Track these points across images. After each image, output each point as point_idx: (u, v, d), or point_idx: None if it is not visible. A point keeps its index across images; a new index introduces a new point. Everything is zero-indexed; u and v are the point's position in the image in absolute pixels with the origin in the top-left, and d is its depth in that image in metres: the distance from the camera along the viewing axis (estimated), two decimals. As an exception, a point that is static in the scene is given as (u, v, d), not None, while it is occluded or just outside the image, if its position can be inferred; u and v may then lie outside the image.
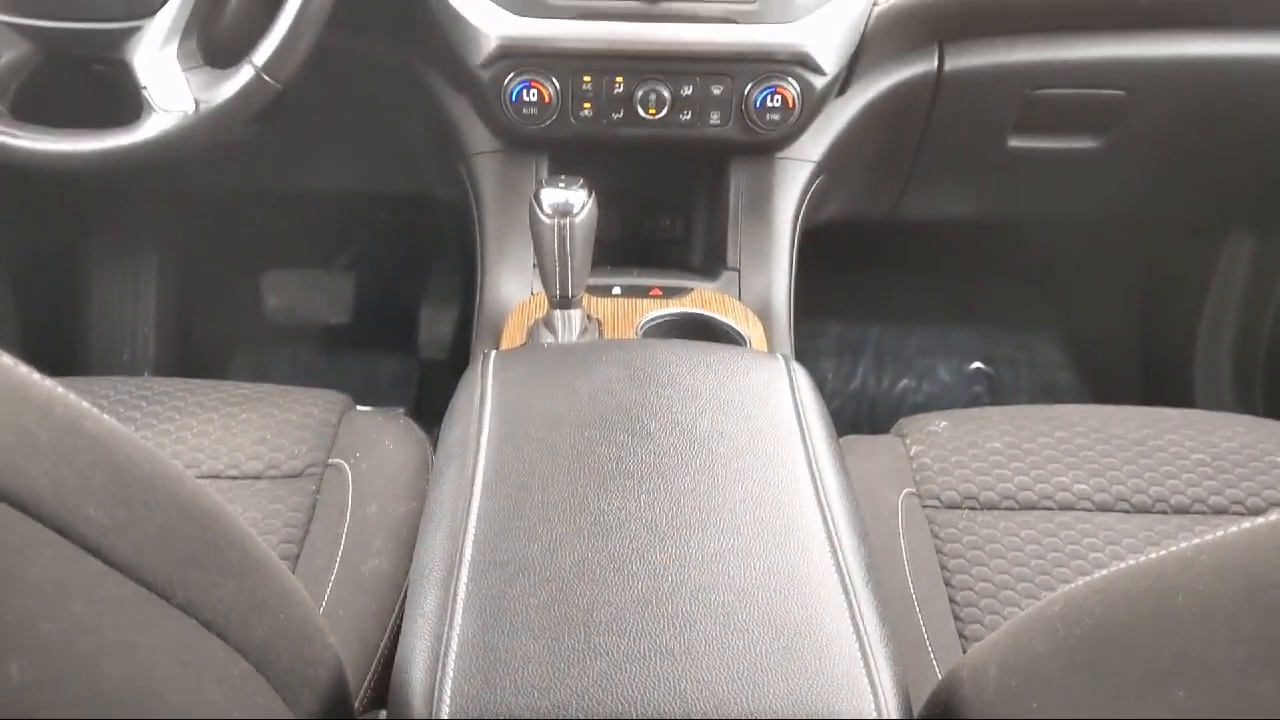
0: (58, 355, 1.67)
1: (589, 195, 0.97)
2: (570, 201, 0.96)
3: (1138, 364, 1.82)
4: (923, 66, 1.23)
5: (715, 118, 1.14)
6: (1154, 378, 1.78)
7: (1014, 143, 1.32)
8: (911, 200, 1.44)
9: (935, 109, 1.27)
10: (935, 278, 1.86)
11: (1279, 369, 1.63)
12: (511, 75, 1.11)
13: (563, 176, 0.98)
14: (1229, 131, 1.32)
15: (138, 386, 1.03)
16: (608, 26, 1.09)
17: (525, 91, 1.12)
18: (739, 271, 1.20)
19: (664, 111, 1.13)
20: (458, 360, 1.73)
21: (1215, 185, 1.45)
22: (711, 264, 1.24)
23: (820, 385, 1.85)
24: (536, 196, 0.96)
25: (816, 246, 1.32)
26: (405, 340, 1.80)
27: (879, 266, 1.83)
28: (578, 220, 0.96)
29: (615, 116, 1.15)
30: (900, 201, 1.44)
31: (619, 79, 1.13)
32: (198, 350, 1.78)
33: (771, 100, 1.12)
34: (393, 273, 1.88)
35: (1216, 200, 1.53)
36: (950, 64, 1.23)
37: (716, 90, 1.13)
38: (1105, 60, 1.23)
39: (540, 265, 1.00)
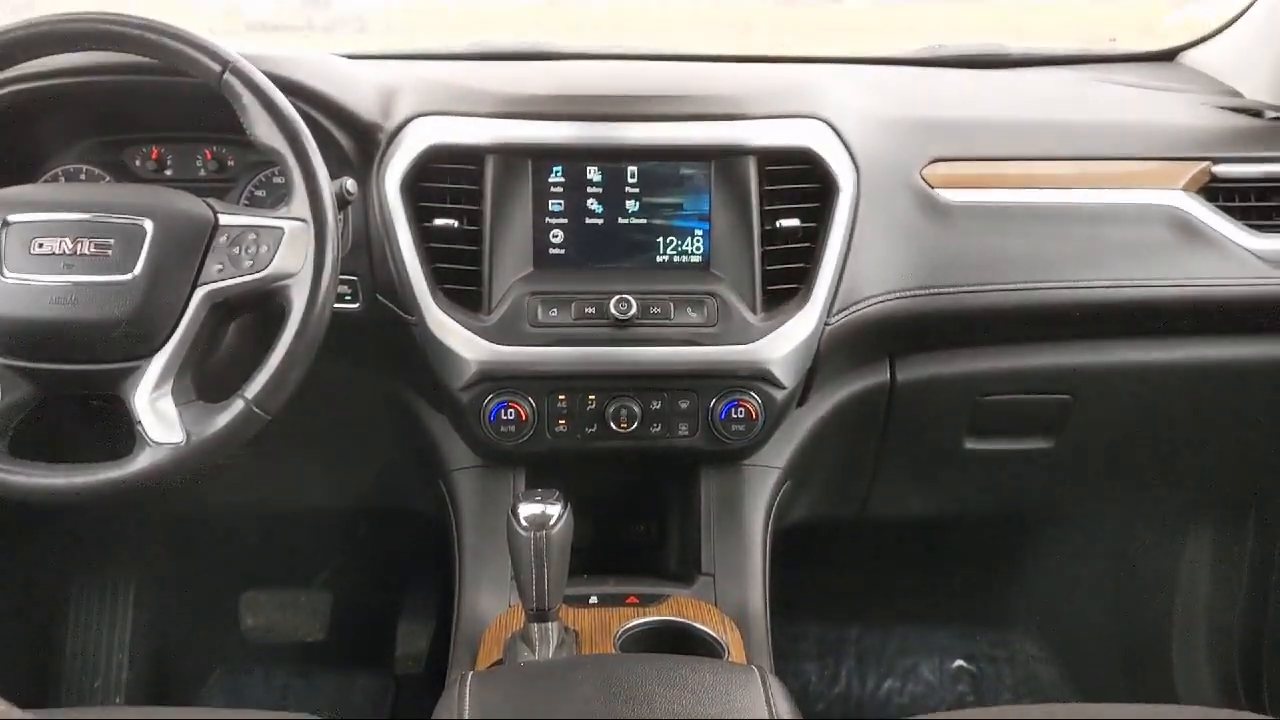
0: (30, 680, 1.63)
1: (564, 508, 1.01)
2: (547, 514, 0.99)
3: (1117, 653, 1.81)
4: (876, 378, 1.31)
5: (684, 429, 1.20)
6: (1134, 667, 1.77)
7: (970, 445, 1.39)
8: (879, 500, 1.48)
9: (892, 416, 1.34)
10: (910, 575, 1.89)
11: (1253, 656, 1.63)
12: (490, 396, 1.18)
13: (539, 490, 1.02)
14: (1171, 429, 1.39)
15: None
16: (580, 351, 1.17)
17: (503, 411, 1.18)
18: (714, 577, 1.23)
19: (635, 425, 1.19)
20: (435, 675, 1.70)
21: (1165, 478, 1.51)
22: (686, 569, 1.27)
23: (804, 689, 1.84)
24: (514, 510, 1.00)
25: (791, 548, 1.35)
26: (382, 655, 1.78)
27: (855, 566, 1.85)
28: (554, 533, 0.99)
29: (589, 431, 1.21)
30: (868, 501, 1.49)
31: (591, 397, 1.20)
32: (173, 673, 1.75)
33: (735, 413, 1.19)
34: (370, 587, 1.88)
35: (1170, 492, 1.59)
36: (902, 375, 1.31)
37: (684, 404, 1.20)
38: (1048, 368, 1.31)
39: (517, 577, 1.02)
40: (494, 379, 1.18)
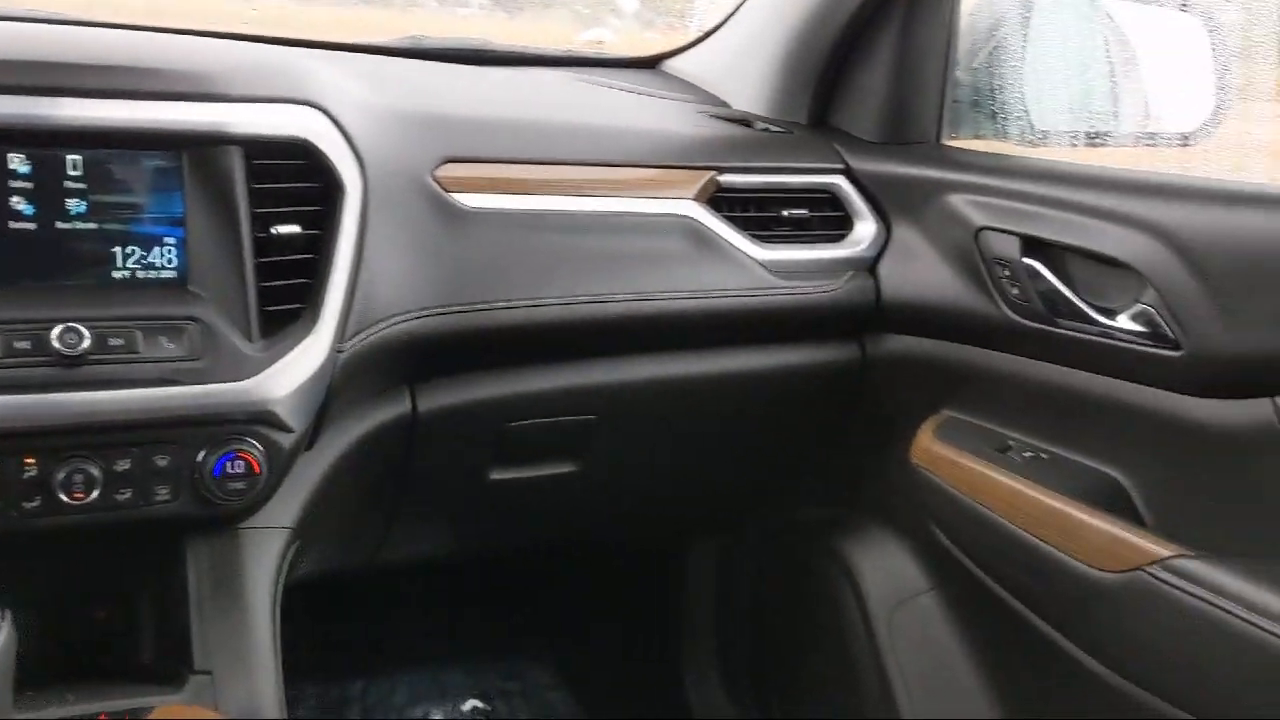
0: None
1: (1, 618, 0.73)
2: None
3: (627, 673, 1.80)
4: (395, 409, 1.14)
5: (163, 494, 0.94)
6: (645, 684, 1.77)
7: (496, 475, 1.26)
8: (395, 544, 1.31)
9: (413, 451, 1.18)
10: (424, 617, 1.74)
11: (756, 664, 1.69)
12: None
13: None
14: (688, 445, 1.37)
15: None
16: (9, 401, 0.87)
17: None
18: (212, 675, 0.97)
19: (95, 494, 0.91)
20: None
21: (683, 494, 1.50)
22: (172, 667, 1.00)
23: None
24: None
25: (288, 603, 1.13)
26: None
27: (359, 616, 1.66)
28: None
29: (29, 506, 0.90)
30: (381, 547, 1.31)
31: (29, 460, 0.89)
32: None
33: (232, 467, 0.95)
34: None
35: (686, 507, 1.58)
36: (424, 405, 1.15)
37: (161, 462, 0.93)
38: (574, 388, 1.22)
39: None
40: None
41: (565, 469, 1.30)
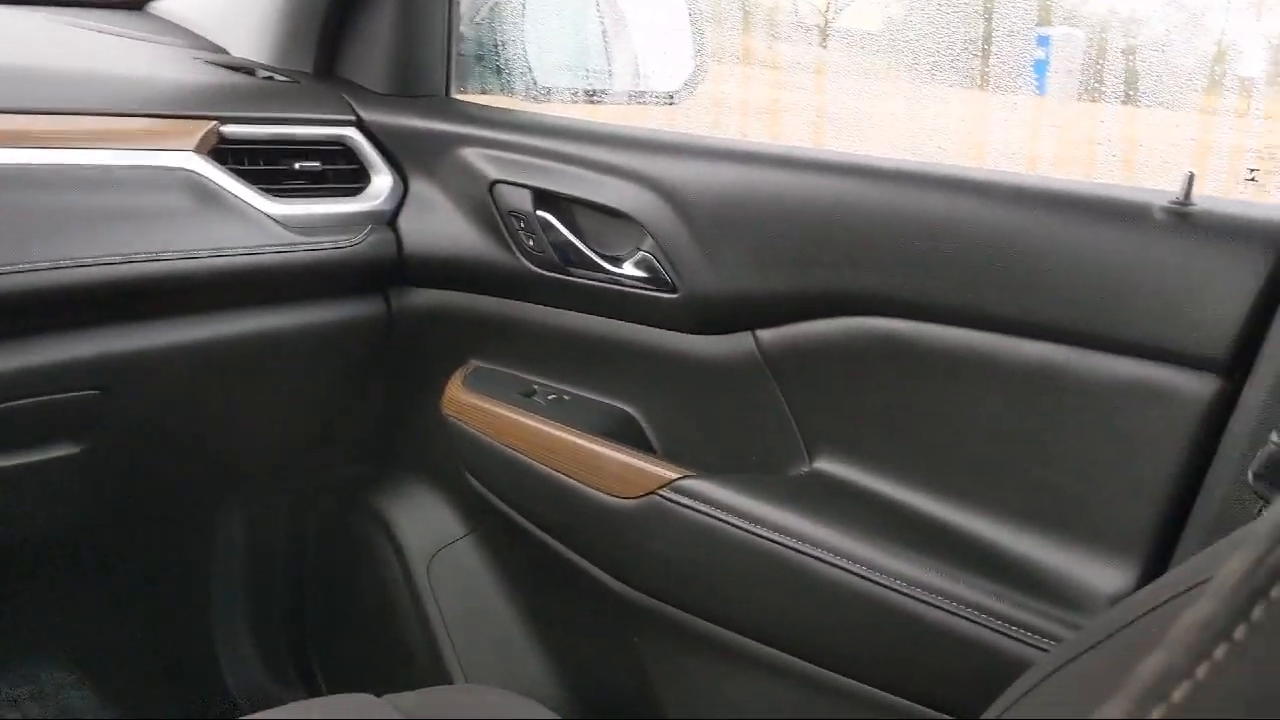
0: None
1: None
2: None
3: (159, 663, 1.68)
4: None
5: None
6: (178, 673, 1.66)
7: None
8: None
9: None
10: None
11: (297, 637, 1.64)
12: None
13: None
14: (211, 412, 1.29)
15: None
16: None
17: None
18: None
19: None
20: None
21: (203, 467, 1.41)
22: None
23: None
24: None
25: None
26: None
27: None
28: None
29: None
30: None
31: None
32: None
33: None
34: None
35: (207, 481, 1.49)
36: None
37: None
38: (73, 361, 1.10)
39: None
40: None
41: (68, 450, 1.17)
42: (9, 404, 1.09)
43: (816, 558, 1.03)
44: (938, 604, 0.96)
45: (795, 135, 1.95)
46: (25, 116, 1.08)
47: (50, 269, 1.05)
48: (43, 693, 1.58)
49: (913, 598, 0.97)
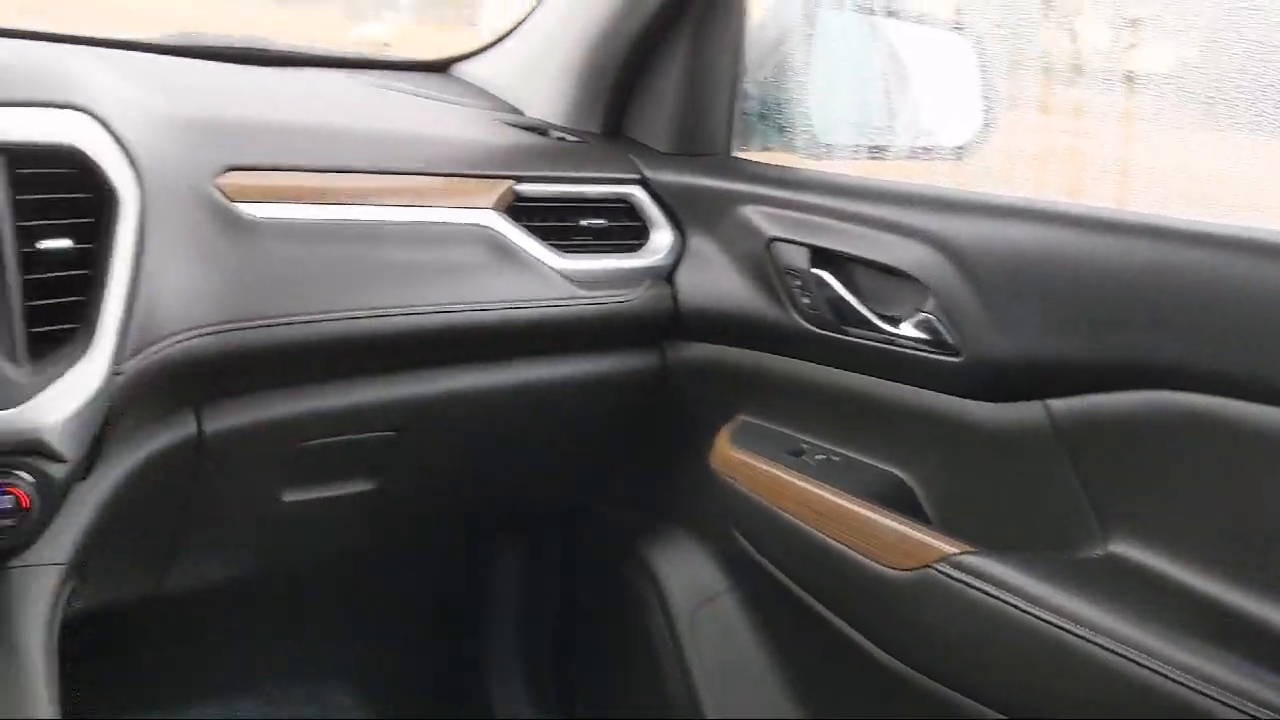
0: None
1: None
2: None
3: (431, 684, 1.77)
4: (180, 433, 1.07)
5: None
6: (451, 694, 1.74)
7: (289, 497, 1.21)
8: (179, 573, 1.24)
9: (199, 476, 1.11)
10: (215, 646, 1.64)
11: (563, 663, 1.69)
12: None
13: None
14: (493, 456, 1.35)
15: None
16: None
17: None
18: None
19: None
20: None
21: (486, 505, 1.48)
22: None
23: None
24: None
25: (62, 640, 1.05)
26: None
27: (143, 647, 1.56)
28: None
29: None
30: (164, 577, 1.23)
31: None
32: None
33: None
34: None
35: (487, 518, 1.56)
36: (210, 427, 1.09)
37: None
38: (373, 404, 1.19)
39: None
40: None
41: (364, 487, 1.26)
42: (320, 441, 1.18)
43: (1105, 647, 0.95)
44: (1235, 704, 0.87)
45: (1092, 190, 1.84)
46: (339, 175, 1.17)
47: (367, 317, 1.14)
48: (325, 714, 1.70)
49: (1207, 695, 0.89)
